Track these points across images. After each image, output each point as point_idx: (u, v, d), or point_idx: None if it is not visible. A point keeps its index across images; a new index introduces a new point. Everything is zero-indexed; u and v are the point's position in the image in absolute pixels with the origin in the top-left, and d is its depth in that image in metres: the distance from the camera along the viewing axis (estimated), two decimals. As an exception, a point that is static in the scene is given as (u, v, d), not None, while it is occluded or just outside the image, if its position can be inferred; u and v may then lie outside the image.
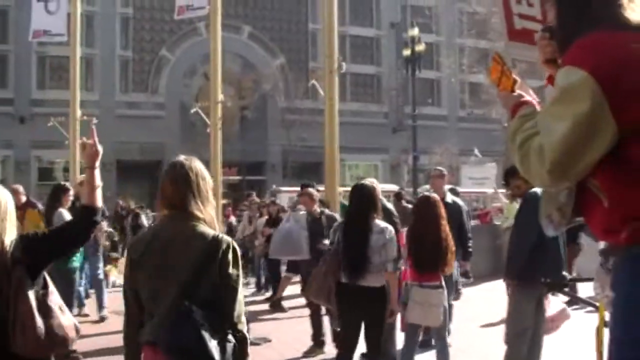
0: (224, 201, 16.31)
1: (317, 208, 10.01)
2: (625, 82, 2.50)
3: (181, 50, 48.79)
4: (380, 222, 7.08)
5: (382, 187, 10.13)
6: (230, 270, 3.79)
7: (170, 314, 3.67)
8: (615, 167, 2.54)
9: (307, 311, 10.22)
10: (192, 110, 33.12)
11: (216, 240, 3.81)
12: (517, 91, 3.10)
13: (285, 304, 13.46)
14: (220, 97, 17.27)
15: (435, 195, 8.11)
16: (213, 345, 3.59)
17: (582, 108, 2.50)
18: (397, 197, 16.40)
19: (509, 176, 7.59)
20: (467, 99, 51.91)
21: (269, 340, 10.21)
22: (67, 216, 8.75)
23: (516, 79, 3.18)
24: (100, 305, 11.95)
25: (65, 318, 3.68)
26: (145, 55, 48.80)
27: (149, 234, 4.22)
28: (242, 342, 3.78)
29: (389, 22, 53.59)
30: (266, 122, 48.81)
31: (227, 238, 3.90)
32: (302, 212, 9.90)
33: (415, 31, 35.01)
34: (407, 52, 35.52)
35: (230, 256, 3.80)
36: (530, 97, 3.08)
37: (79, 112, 20.78)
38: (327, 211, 10.02)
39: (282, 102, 47.51)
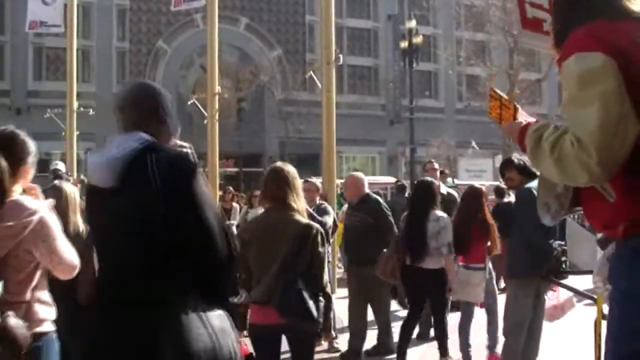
0: (221, 193, 16.30)
1: (318, 200, 10.04)
2: (632, 73, 2.44)
3: (178, 41, 48.66)
4: (437, 212, 8.26)
5: (379, 180, 10.15)
6: (320, 249, 5.11)
7: (278, 282, 4.95)
8: (627, 164, 2.44)
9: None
10: (189, 102, 33.03)
11: (308, 227, 5.12)
12: (519, 118, 3.04)
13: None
14: (217, 88, 17.27)
15: (480, 187, 9.09)
16: (311, 304, 4.97)
17: (608, 85, 2.40)
18: (399, 188, 16.36)
19: (504, 168, 7.63)
20: (465, 91, 51.84)
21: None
22: None
23: (516, 106, 3.12)
24: None
25: None
26: (142, 46, 48.68)
27: (257, 221, 5.65)
28: (328, 300, 5.46)
29: (386, 14, 53.45)
30: (263, 114, 48.75)
31: (316, 225, 5.20)
32: None
33: (412, 23, 35.00)
34: (404, 44, 35.49)
35: (318, 239, 5.09)
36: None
37: (75, 104, 20.77)
38: (324, 204, 10.01)
39: (279, 94, 47.43)
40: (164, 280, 3.01)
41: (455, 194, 10.85)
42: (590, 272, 6.18)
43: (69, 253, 3.89)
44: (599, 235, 4.63)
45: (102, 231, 3.35)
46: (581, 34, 2.57)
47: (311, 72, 16.61)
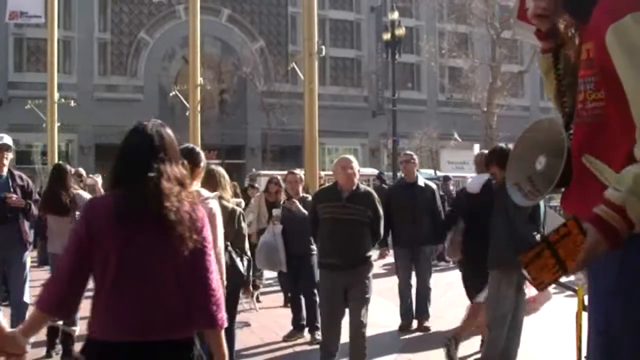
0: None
1: (301, 192, 10.00)
2: None
3: (160, 33, 48.46)
4: None
5: (362, 172, 10.12)
6: (242, 225, 7.11)
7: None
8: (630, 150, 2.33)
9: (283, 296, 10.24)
10: (171, 94, 32.97)
11: (234, 210, 7.03)
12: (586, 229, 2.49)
13: (264, 289, 13.42)
14: (199, 80, 17.25)
15: None
16: (239, 262, 6.86)
17: None
18: (379, 179, 16.42)
19: (488, 162, 7.64)
20: (447, 83, 51.97)
21: (249, 325, 10.20)
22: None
23: (575, 218, 2.55)
24: None
25: None
26: (123, 38, 48.44)
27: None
28: (249, 262, 7.12)
29: (369, 5, 53.46)
30: (245, 106, 48.67)
31: (239, 208, 7.28)
32: (280, 226, 9.83)
33: (395, 15, 35.00)
34: (387, 36, 35.49)
35: (241, 218, 7.10)
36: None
37: (56, 95, 20.63)
38: (307, 196, 10.00)
39: (261, 85, 47.34)
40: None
41: (434, 186, 10.74)
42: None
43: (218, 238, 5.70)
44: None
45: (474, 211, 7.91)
46: None
47: (293, 63, 16.59)
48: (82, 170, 10.39)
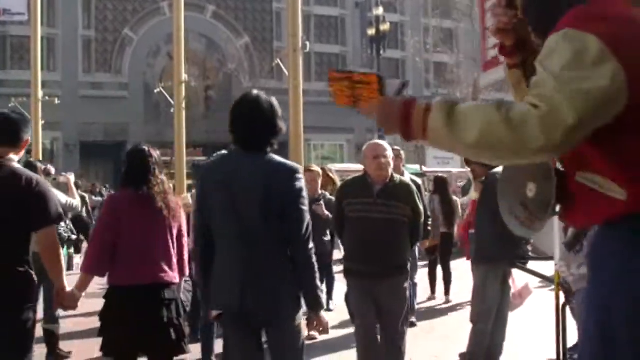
0: (189, 181, 16.22)
1: (319, 190, 9.74)
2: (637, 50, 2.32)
3: (144, 30, 48.35)
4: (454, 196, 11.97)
5: (348, 167, 10.07)
6: None
7: None
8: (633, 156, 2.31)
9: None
10: (156, 91, 32.83)
11: None
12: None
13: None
14: (184, 77, 17.15)
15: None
16: None
17: (609, 69, 2.25)
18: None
19: (466, 160, 7.68)
20: (432, 78, 52.05)
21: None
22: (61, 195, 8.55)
23: (380, 75, 2.63)
24: None
25: None
26: (108, 35, 48.28)
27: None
28: None
29: (353, 1, 53.47)
30: (231, 102, 46.91)
31: None
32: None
33: (380, 10, 34.98)
34: (371, 32, 35.48)
35: None
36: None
37: (40, 93, 20.51)
38: (327, 195, 9.84)
39: (247, 82, 47.26)
40: None
41: (420, 181, 10.75)
42: (551, 257, 6.25)
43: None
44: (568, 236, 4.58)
45: None
46: (578, 13, 2.42)
47: (278, 60, 16.57)
48: (51, 168, 10.31)
